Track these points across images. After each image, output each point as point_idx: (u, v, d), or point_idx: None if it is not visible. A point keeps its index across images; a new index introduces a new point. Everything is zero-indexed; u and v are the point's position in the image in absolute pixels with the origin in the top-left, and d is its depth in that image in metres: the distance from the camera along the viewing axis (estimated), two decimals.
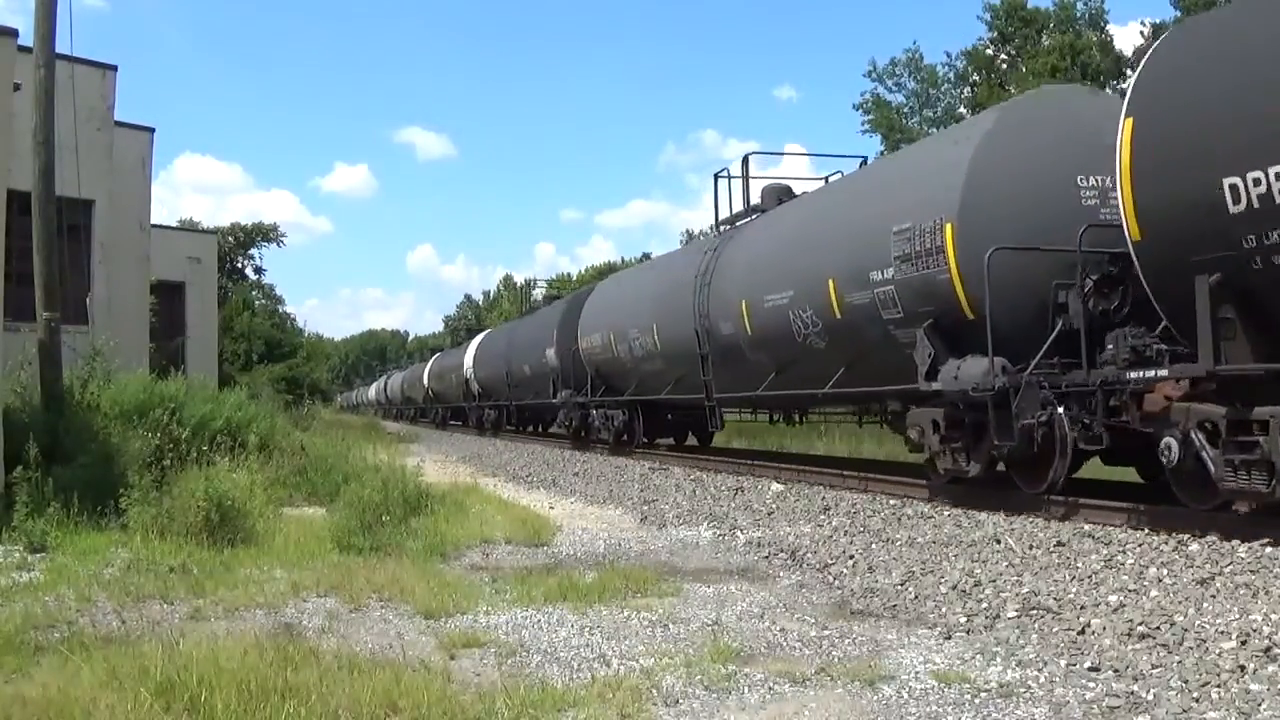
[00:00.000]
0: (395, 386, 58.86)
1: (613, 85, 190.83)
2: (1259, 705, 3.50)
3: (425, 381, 43.50)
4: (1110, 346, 7.31)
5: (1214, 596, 5.02)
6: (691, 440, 19.76)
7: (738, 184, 15.01)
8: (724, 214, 15.41)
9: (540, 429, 28.95)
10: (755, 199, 14.55)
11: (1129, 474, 8.94)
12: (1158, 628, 4.52)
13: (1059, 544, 6.59)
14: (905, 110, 38.55)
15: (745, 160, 15.12)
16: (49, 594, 5.64)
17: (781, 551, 7.29)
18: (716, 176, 15.45)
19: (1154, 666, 4.02)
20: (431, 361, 46.16)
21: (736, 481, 11.99)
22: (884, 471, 11.61)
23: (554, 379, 21.51)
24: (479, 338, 34.48)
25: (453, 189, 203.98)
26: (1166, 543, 6.36)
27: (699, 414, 16.44)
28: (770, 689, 3.90)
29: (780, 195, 13.97)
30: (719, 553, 7.46)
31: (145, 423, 9.96)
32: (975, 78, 37.01)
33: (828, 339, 10.60)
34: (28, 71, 10.45)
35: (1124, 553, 6.18)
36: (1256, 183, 5.81)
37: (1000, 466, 8.63)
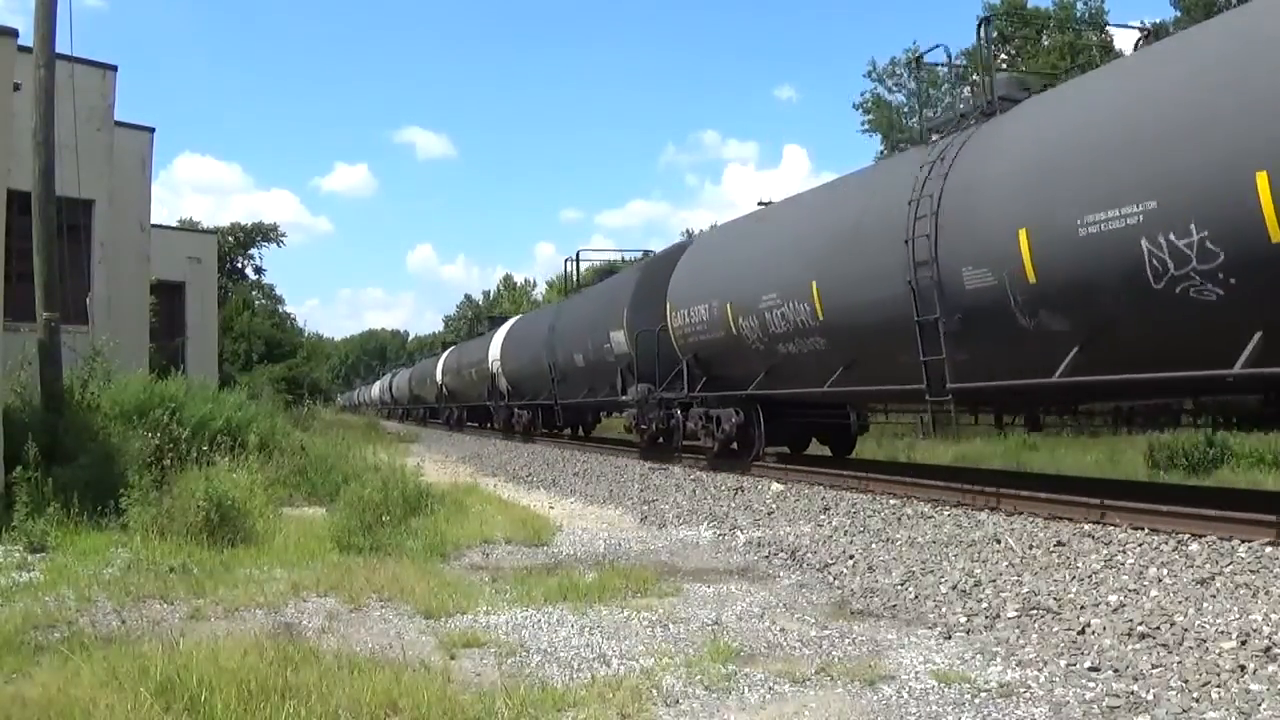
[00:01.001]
0: (401, 385, 54.09)
1: (613, 85, 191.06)
2: (1259, 705, 3.50)
3: (439, 378, 38.78)
4: None
5: (1214, 596, 5.02)
6: (815, 448, 14.84)
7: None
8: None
9: (582, 433, 25.25)
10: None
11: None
12: (1158, 628, 4.52)
13: (1059, 544, 6.60)
14: (905, 110, 38.55)
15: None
16: (49, 594, 5.64)
17: (781, 551, 7.29)
18: None
19: (1154, 666, 4.02)
20: (445, 355, 40.93)
21: (736, 481, 11.99)
22: (884, 471, 11.60)
23: (621, 370, 17.24)
24: (507, 325, 29.40)
25: (453, 189, 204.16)
26: (1166, 543, 6.36)
27: (840, 416, 13.57)
28: (770, 689, 3.90)
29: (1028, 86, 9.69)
30: (719, 553, 7.46)
31: (145, 423, 9.96)
32: (975, 78, 37.02)
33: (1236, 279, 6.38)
34: (28, 71, 10.45)
35: (1124, 553, 6.19)
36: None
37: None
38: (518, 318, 31.70)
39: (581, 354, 19.78)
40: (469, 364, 32.55)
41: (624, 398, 17.00)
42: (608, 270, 23.93)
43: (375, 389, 72.11)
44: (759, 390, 12.62)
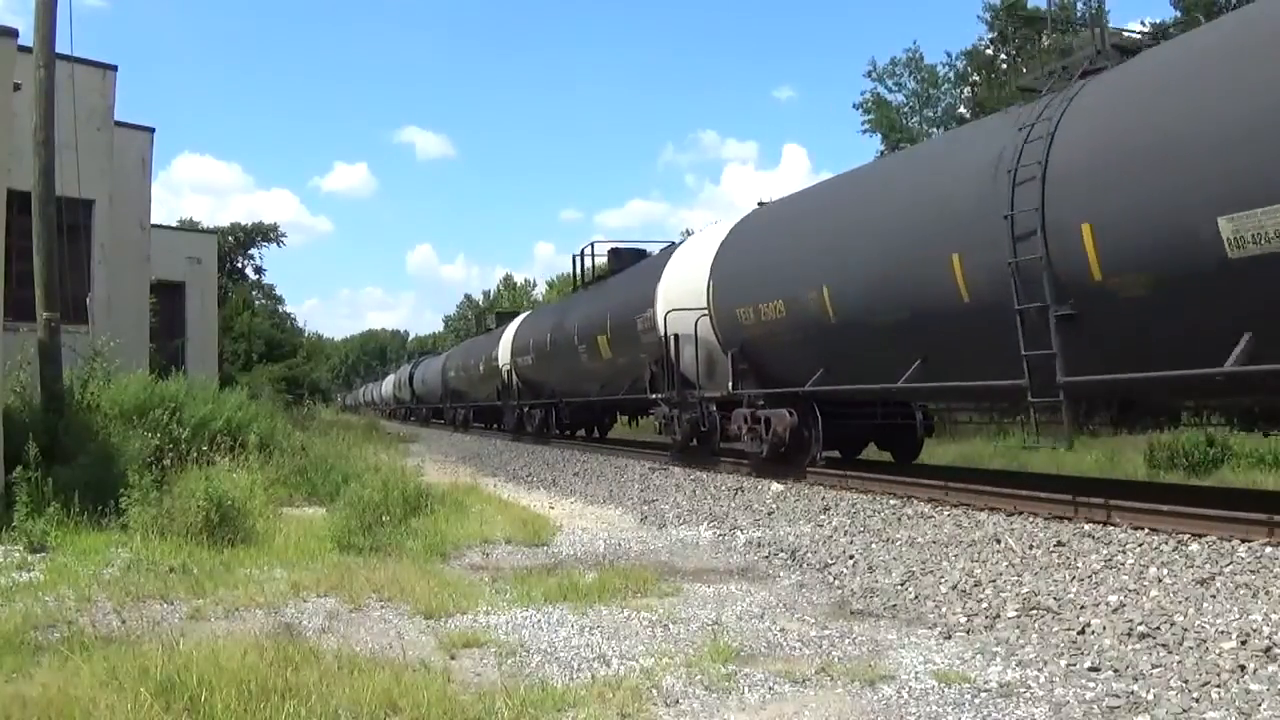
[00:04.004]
0: (403, 384, 51.90)
1: (612, 85, 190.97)
2: (1259, 705, 3.50)
3: (443, 377, 37.39)
4: None
5: (1214, 596, 5.02)
6: (872, 453, 13.60)
7: None
8: None
9: (598, 434, 24.09)
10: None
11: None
12: (1158, 628, 4.52)
13: (1059, 544, 6.60)
14: (905, 110, 38.56)
15: None
16: (49, 594, 5.64)
17: (781, 551, 7.28)
18: None
19: (1154, 666, 4.02)
20: (450, 353, 39.93)
21: (736, 481, 11.99)
22: (884, 472, 11.59)
23: (651, 365, 15.60)
24: (519, 319, 27.68)
25: (452, 189, 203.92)
26: (1166, 543, 6.36)
27: (903, 417, 12.33)
28: (770, 689, 3.90)
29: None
30: (719, 553, 7.46)
31: (145, 423, 9.97)
32: (975, 78, 37.04)
33: None
34: (28, 71, 10.46)
35: (1124, 553, 6.19)
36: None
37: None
38: (530, 311, 30.22)
39: (603, 349, 17.92)
40: (476, 362, 30.84)
41: (655, 395, 15.30)
42: (612, 268, 20.66)
43: (376, 389, 70.89)
44: (819, 387, 11.04)
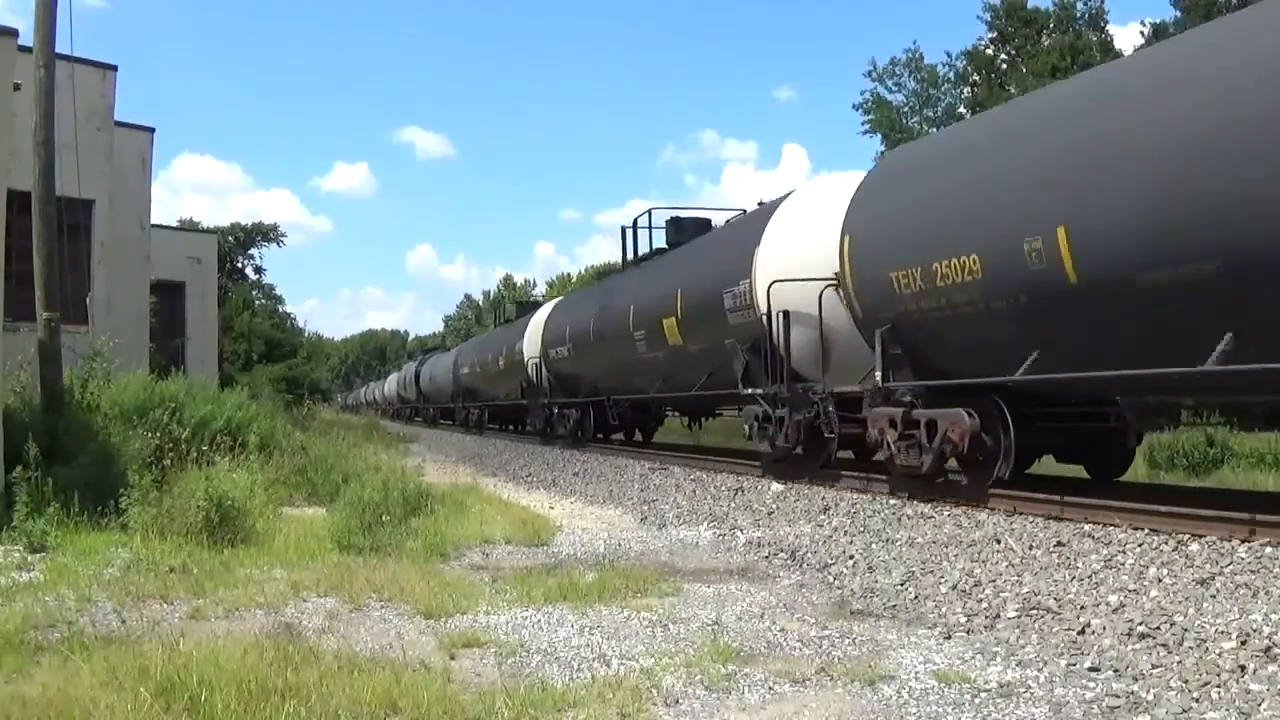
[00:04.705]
0: (408, 383, 49.45)
1: (612, 85, 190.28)
2: (1259, 705, 3.50)
3: (454, 375, 34.54)
4: None
5: (1214, 596, 5.02)
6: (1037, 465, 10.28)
7: None
8: None
9: (640, 437, 21.04)
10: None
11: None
12: (1158, 628, 4.52)
13: (1059, 544, 6.59)
14: (905, 110, 38.57)
15: None
16: (49, 594, 5.64)
17: (781, 551, 7.29)
18: None
19: (1154, 666, 4.02)
20: (462, 349, 37.26)
21: (736, 481, 11.98)
22: (883, 471, 11.49)
23: (743, 351, 12.41)
24: (549, 306, 24.80)
25: (452, 189, 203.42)
26: (1166, 543, 6.36)
27: (1101, 420, 9.12)
28: (770, 689, 3.90)
29: None
30: (719, 553, 7.46)
31: (145, 423, 9.97)
32: (975, 78, 37.06)
33: None
34: (28, 71, 10.45)
35: (1124, 553, 6.19)
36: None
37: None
38: (561, 298, 27.61)
39: (669, 334, 14.89)
40: (495, 356, 27.84)
41: (750, 390, 12.16)
42: (672, 241, 17.25)
43: (378, 388, 69.98)
44: (1033, 375, 7.78)
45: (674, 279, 15.06)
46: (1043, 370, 7.73)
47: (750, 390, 12.17)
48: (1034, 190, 7.67)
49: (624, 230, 19.00)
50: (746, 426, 12.55)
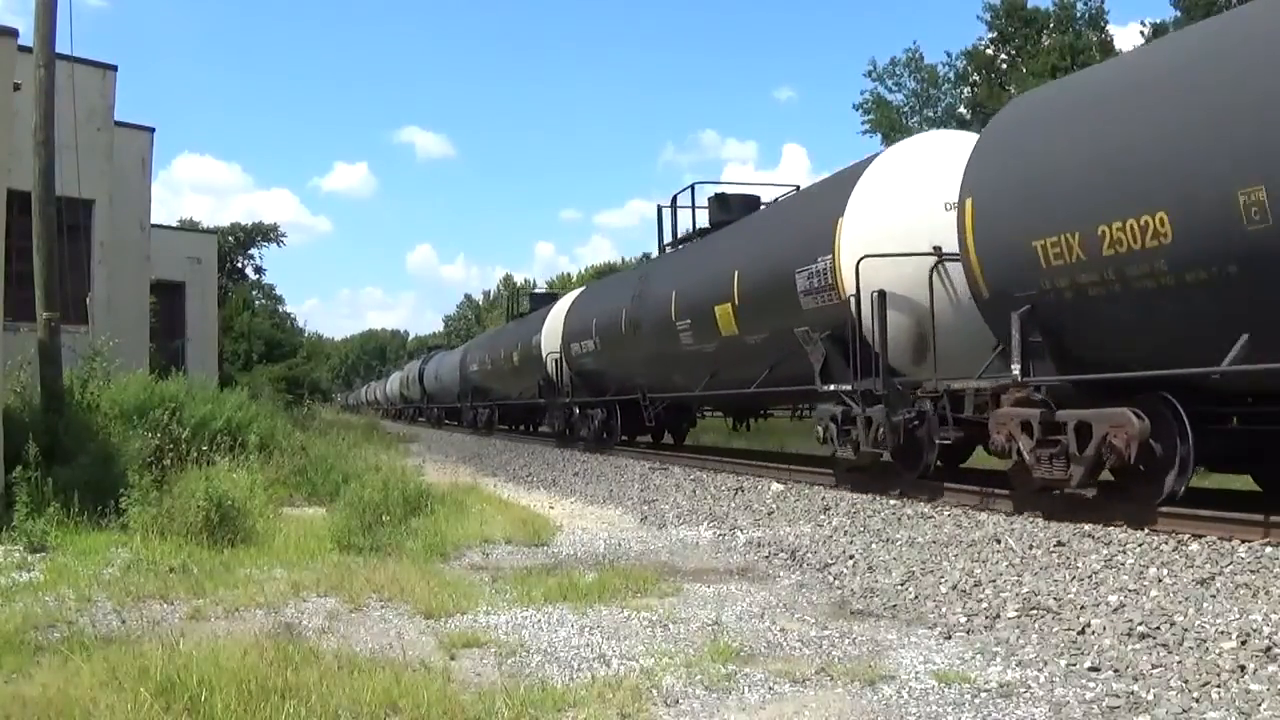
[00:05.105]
0: (411, 382, 47.72)
1: (612, 86, 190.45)
2: (1259, 705, 3.50)
3: (461, 373, 32.57)
4: None
5: (1214, 596, 5.02)
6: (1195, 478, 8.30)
7: None
8: None
9: (672, 440, 19.20)
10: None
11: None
12: (1158, 628, 4.52)
13: (1059, 544, 6.59)
14: (905, 110, 38.60)
15: None
16: (49, 594, 5.64)
17: (781, 551, 7.28)
18: None
19: (1154, 666, 4.02)
20: (470, 346, 35.40)
21: (736, 481, 11.98)
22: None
23: (821, 340, 10.44)
24: (572, 296, 22.85)
25: (452, 189, 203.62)
26: (1166, 543, 6.36)
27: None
28: (770, 689, 3.90)
29: None
30: (719, 553, 7.46)
31: (145, 423, 9.98)
32: (975, 78, 37.09)
33: None
34: (28, 71, 10.45)
35: (1124, 553, 6.19)
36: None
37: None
38: (586, 287, 25.17)
39: (723, 323, 12.95)
40: (509, 353, 25.78)
41: (830, 387, 10.26)
42: (715, 221, 15.30)
43: (379, 387, 69.09)
44: (1243, 366, 6.12)
45: (728, 260, 12.95)
46: (1255, 359, 6.01)
47: (832, 387, 10.27)
48: (1253, 125, 5.89)
49: (660, 209, 17.13)
50: (819, 429, 10.60)
